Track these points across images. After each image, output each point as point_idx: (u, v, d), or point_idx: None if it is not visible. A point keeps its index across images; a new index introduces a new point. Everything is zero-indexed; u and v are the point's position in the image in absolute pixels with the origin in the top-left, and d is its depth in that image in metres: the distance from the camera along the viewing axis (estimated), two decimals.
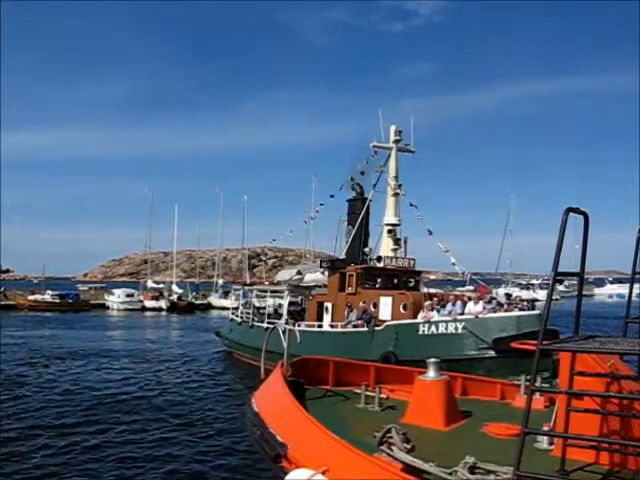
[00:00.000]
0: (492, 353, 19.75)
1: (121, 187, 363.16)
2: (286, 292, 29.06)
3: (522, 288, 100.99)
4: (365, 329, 22.63)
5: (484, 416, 8.35)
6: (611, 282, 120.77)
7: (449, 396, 8.26)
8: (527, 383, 8.52)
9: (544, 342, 5.49)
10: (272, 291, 31.38)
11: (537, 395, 8.54)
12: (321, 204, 34.81)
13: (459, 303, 21.87)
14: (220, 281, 77.66)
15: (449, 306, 21.88)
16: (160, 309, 68.08)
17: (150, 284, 79.91)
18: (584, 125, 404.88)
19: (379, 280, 26.61)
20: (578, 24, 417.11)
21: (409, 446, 6.08)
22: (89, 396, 20.09)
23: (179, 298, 72.32)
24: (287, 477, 6.42)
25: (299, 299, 31.19)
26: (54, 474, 12.39)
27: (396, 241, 28.63)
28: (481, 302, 21.59)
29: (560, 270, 5.56)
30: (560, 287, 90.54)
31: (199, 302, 72.20)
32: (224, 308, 54.42)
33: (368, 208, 29.28)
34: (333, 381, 10.46)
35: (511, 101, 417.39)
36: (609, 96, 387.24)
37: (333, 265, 28.27)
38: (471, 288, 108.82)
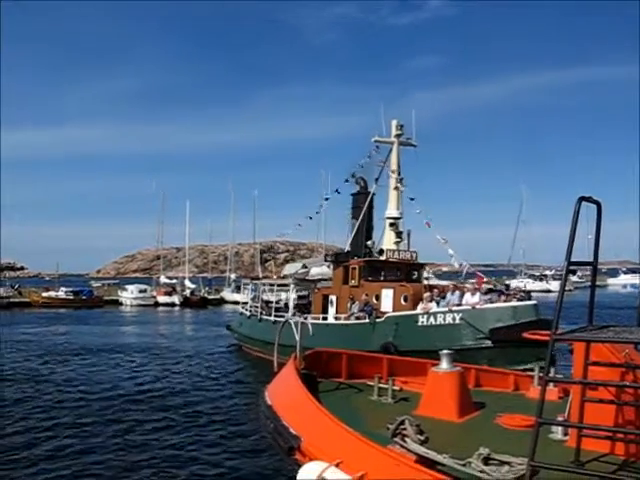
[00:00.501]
0: (489, 343, 20.01)
1: (133, 183, 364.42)
2: (292, 286, 29.89)
3: (535, 279, 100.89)
4: (367, 321, 22.99)
5: (498, 407, 8.33)
6: (625, 272, 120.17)
7: (462, 387, 8.25)
8: (541, 374, 8.49)
9: (557, 332, 5.45)
10: (279, 285, 31.89)
11: (551, 386, 8.50)
12: (326, 198, 34.84)
13: (457, 293, 22.21)
14: (232, 275, 77.77)
15: (448, 295, 22.28)
16: (173, 304, 68.26)
17: (163, 280, 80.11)
18: (598, 114, 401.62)
19: (382, 273, 26.85)
20: (589, 14, 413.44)
21: (423, 438, 6.07)
22: (104, 392, 20.18)
23: (192, 293, 72.47)
24: (301, 469, 6.44)
25: (308, 292, 31.55)
26: (68, 468, 12.48)
27: (398, 234, 28.89)
28: (478, 293, 21.88)
29: (573, 260, 5.53)
30: (574, 278, 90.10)
31: (212, 297, 72.39)
32: (237, 302, 54.47)
33: (372, 202, 29.65)
34: (346, 374, 10.47)
35: (522, 92, 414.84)
36: (621, 85, 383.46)
37: (337, 259, 28.76)
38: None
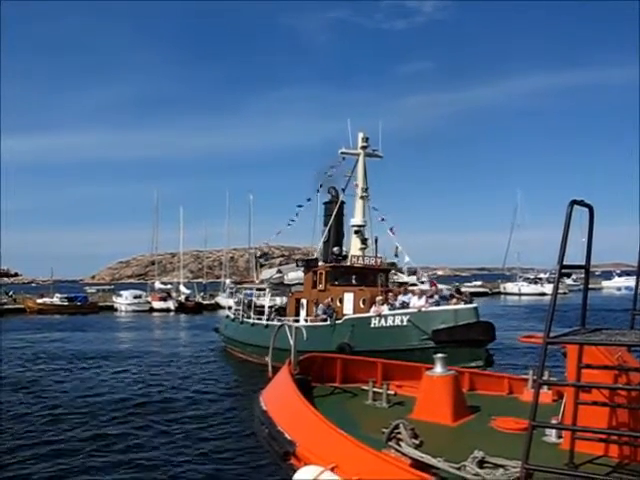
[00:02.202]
0: (431, 343, 20.95)
1: (127, 189, 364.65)
2: (267, 290, 32.07)
3: (530, 282, 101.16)
4: (327, 323, 24.37)
5: (492, 410, 8.34)
6: (619, 275, 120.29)
7: (457, 391, 8.26)
8: (535, 377, 8.52)
9: (550, 335, 5.46)
10: (257, 289, 34.26)
11: (545, 389, 8.52)
12: (299, 206, 35.69)
13: (409, 295, 23.82)
14: (227, 281, 77.60)
15: (400, 297, 23.81)
16: (168, 310, 68.13)
17: (158, 285, 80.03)
18: (591, 118, 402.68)
19: (347, 277, 28.33)
20: (580, 17, 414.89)
21: (417, 441, 6.08)
22: (98, 398, 20.17)
23: (187, 298, 72.35)
24: (296, 474, 6.44)
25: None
26: (58, 473, 12.46)
27: (363, 241, 30.56)
28: (424, 297, 23.12)
29: (566, 264, 5.55)
30: (568, 281, 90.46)
31: (207, 302, 72.28)
32: (231, 308, 54.67)
33: (342, 210, 31.46)
34: (341, 378, 10.46)
35: (517, 95, 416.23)
36: (614, 88, 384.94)
37: (308, 264, 30.16)
38: (478, 283, 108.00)
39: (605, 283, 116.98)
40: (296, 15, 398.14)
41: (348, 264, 28.78)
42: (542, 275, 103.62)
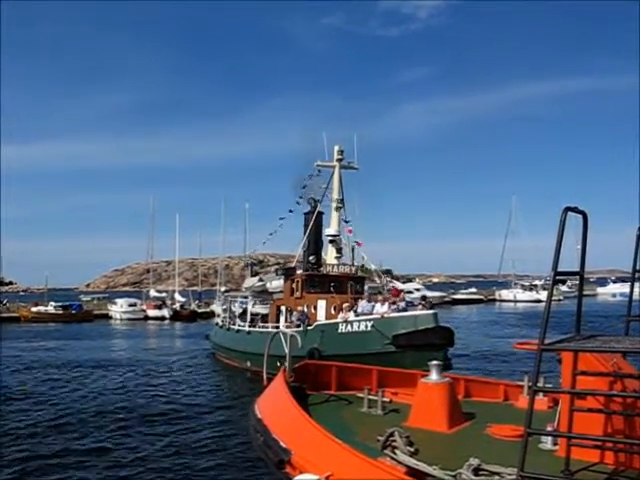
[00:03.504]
0: (392, 348, 22.03)
1: (123, 197, 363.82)
2: (249, 297, 33.43)
3: (525, 289, 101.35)
4: (300, 329, 24.84)
5: (487, 418, 8.33)
6: (614, 281, 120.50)
7: (452, 398, 8.24)
8: (530, 384, 8.51)
9: (545, 342, 5.46)
10: (242, 297, 35.31)
11: (540, 396, 8.52)
12: (281, 218, 36.89)
13: (372, 302, 24.72)
14: (222, 289, 77.55)
15: (363, 303, 24.86)
16: (163, 318, 67.98)
17: (153, 293, 79.86)
18: (586, 125, 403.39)
19: (323, 285, 29.19)
20: (578, 24, 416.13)
21: (412, 449, 6.08)
22: (91, 406, 20.11)
23: (182, 307, 72.23)
24: None
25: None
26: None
27: (338, 250, 31.82)
28: (387, 303, 24.03)
29: (561, 270, 5.55)
30: (563, 287, 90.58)
31: (202, 310, 72.09)
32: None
33: (320, 220, 32.41)
34: (336, 385, 10.44)
35: (512, 102, 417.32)
36: (611, 95, 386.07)
37: (287, 272, 31.41)
38: (473, 290, 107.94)
39: (600, 289, 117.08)
40: (291, 22, 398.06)
41: (323, 272, 29.97)
42: (537, 282, 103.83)
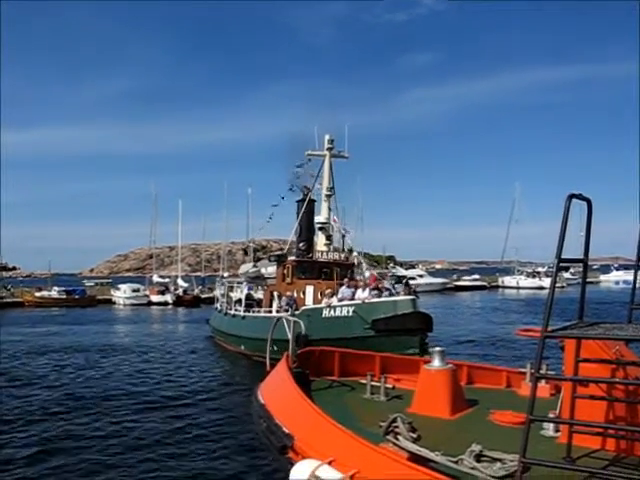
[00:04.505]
0: (372, 332, 22.55)
1: (126, 183, 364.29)
2: (244, 283, 34.45)
3: (528, 276, 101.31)
4: (288, 313, 25.16)
5: (490, 404, 8.35)
6: (617, 268, 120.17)
7: (455, 385, 8.27)
8: (532, 371, 8.53)
9: (548, 330, 5.46)
10: (238, 282, 36.09)
11: (543, 383, 8.53)
12: (274, 205, 37.75)
13: (352, 289, 25.10)
14: (225, 274, 77.64)
15: (343, 288, 25.25)
16: (166, 303, 68.04)
17: (156, 279, 79.85)
18: (591, 112, 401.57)
19: (312, 271, 29.90)
20: (585, 10, 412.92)
21: (415, 435, 6.09)
22: (93, 391, 20.15)
23: (185, 292, 72.22)
24: (293, 468, 6.44)
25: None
26: (58, 465, 12.47)
27: (328, 237, 32.73)
28: (367, 289, 24.50)
29: (564, 257, 5.54)
30: (566, 274, 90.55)
31: (205, 295, 72.14)
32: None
33: (312, 208, 33.04)
34: (339, 372, 10.48)
35: (518, 89, 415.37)
36: (617, 82, 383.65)
37: (279, 259, 32.17)
38: (476, 277, 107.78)
39: (603, 277, 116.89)
40: (294, 10, 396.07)
41: (312, 259, 30.77)
42: (540, 269, 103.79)
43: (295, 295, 28.09)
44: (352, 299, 24.26)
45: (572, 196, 5.47)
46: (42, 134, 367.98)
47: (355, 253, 34.92)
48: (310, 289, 27.98)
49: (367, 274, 32.14)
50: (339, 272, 29.18)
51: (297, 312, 25.18)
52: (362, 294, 24.27)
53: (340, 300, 24.53)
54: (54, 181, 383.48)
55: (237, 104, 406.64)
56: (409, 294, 23.57)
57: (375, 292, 24.13)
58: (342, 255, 31.64)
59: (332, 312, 24.06)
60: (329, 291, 25.57)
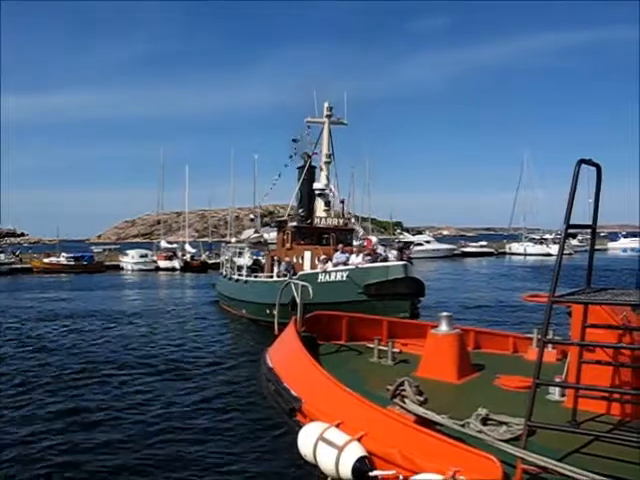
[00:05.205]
0: (364, 297, 23.08)
1: (133, 148, 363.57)
2: (246, 248, 34.84)
3: (535, 243, 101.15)
4: (286, 278, 25.80)
5: (496, 369, 8.41)
6: (625, 236, 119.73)
7: (461, 349, 8.32)
8: (539, 336, 8.57)
9: (555, 295, 5.47)
10: (240, 248, 36.29)
11: (549, 348, 8.59)
12: (279, 174, 38.02)
13: (347, 254, 25.53)
14: (233, 240, 77.65)
15: (337, 254, 25.70)
16: (174, 269, 68.35)
17: (163, 244, 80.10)
18: (601, 76, 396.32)
19: (311, 237, 30.54)
20: None
21: (422, 398, 6.15)
22: (104, 357, 20.36)
23: (192, 258, 72.46)
24: (302, 430, 6.54)
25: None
26: (68, 436, 12.66)
27: (326, 203, 33.16)
28: (361, 254, 24.92)
29: (573, 223, 5.53)
30: (573, 241, 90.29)
31: (212, 261, 72.37)
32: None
33: (313, 175, 33.62)
34: (346, 336, 10.54)
35: (527, 53, 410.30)
36: (630, 45, 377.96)
37: (279, 225, 32.94)
38: (484, 243, 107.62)
39: (610, 244, 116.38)
40: None
41: (311, 224, 31.31)
42: (547, 235, 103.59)
43: (295, 260, 28.72)
44: (346, 264, 24.73)
45: (582, 161, 5.44)
46: (51, 99, 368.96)
47: (352, 219, 35.27)
48: (308, 254, 28.45)
49: (362, 240, 32.55)
50: (338, 238, 29.55)
51: (294, 277, 25.51)
52: (356, 259, 24.72)
53: (335, 265, 24.99)
54: (61, 147, 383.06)
55: (246, 69, 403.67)
56: (401, 260, 23.86)
57: (368, 258, 24.53)
58: (341, 221, 32.01)
59: (327, 277, 24.47)
60: (324, 257, 25.99)
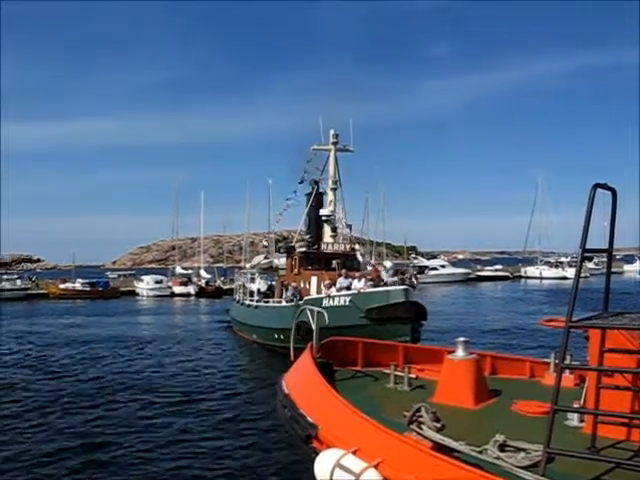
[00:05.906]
0: (365, 321, 23.45)
1: (148, 174, 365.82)
2: (257, 274, 36.06)
3: (551, 266, 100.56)
4: (292, 303, 26.96)
5: (514, 394, 8.34)
6: None
7: (478, 375, 8.26)
8: (557, 361, 8.50)
9: (573, 320, 5.45)
10: (251, 274, 37.08)
11: (567, 372, 8.51)
12: (287, 199, 38.48)
13: (350, 279, 26.05)
14: (247, 265, 77.76)
15: (341, 279, 26.12)
16: (189, 294, 68.46)
17: (178, 270, 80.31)
18: (616, 99, 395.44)
19: (319, 262, 30.74)
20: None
21: (439, 425, 6.10)
22: (123, 383, 20.41)
23: (207, 283, 72.62)
24: (318, 457, 6.50)
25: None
26: (83, 454, 12.68)
27: (333, 229, 33.57)
28: (363, 279, 25.60)
29: (589, 247, 5.52)
30: (589, 264, 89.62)
31: (227, 287, 72.41)
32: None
33: (320, 201, 34.39)
34: (362, 362, 10.50)
35: (540, 77, 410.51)
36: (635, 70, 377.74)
37: (288, 250, 33.24)
38: (499, 267, 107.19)
39: (627, 267, 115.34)
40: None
41: (318, 250, 31.79)
42: (563, 259, 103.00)
43: (302, 285, 29.17)
44: (349, 289, 25.18)
45: (597, 185, 5.44)
46: (66, 126, 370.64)
47: (357, 245, 35.78)
48: (314, 280, 28.86)
49: (368, 266, 32.73)
50: (344, 263, 29.85)
51: (301, 302, 25.98)
52: (358, 284, 25.20)
53: (338, 290, 25.40)
54: (78, 173, 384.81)
55: (260, 95, 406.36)
56: (402, 284, 24.14)
57: (371, 283, 25.01)
58: (347, 246, 32.48)
59: (331, 302, 24.76)
60: (328, 282, 26.45)
